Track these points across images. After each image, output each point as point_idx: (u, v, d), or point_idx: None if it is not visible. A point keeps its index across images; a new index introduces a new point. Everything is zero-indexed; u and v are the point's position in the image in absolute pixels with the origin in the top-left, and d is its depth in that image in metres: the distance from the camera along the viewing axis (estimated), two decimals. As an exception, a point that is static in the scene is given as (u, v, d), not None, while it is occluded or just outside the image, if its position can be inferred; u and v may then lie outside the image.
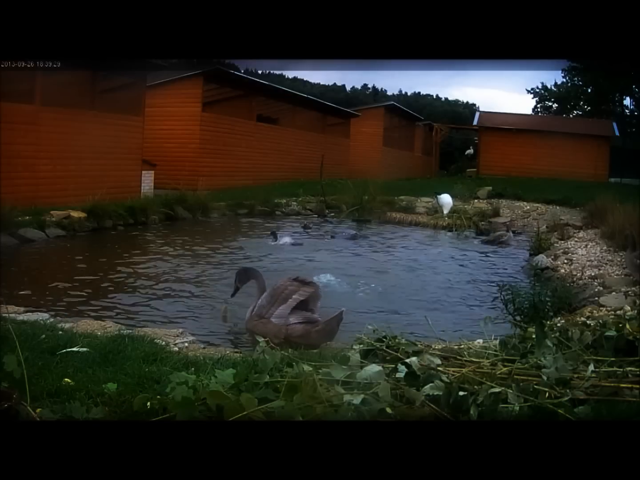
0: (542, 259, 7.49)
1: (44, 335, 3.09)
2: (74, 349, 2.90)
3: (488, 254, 9.19)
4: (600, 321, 3.35)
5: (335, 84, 52.29)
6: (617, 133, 24.48)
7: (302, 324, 4.07)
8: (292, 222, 12.15)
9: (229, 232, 10.50)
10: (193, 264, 7.12)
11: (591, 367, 2.40)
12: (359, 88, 52.89)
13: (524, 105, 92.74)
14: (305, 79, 47.97)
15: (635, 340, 2.73)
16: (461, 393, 2.12)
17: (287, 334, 4.04)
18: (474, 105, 46.95)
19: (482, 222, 12.19)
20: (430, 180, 23.78)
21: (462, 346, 3.12)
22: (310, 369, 2.21)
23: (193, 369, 2.65)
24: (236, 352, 3.33)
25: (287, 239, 9.12)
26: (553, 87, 35.08)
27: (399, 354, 2.68)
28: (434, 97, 52.94)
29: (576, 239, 8.98)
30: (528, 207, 15.05)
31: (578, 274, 6.23)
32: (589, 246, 8.07)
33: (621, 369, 2.43)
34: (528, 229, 12.33)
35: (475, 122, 25.96)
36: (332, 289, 5.93)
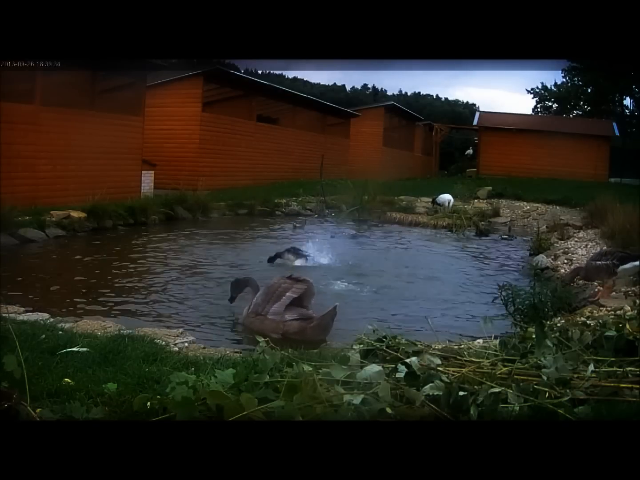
0: (542, 259, 7.49)
1: (44, 335, 3.10)
2: (74, 349, 2.90)
3: (489, 253, 9.19)
4: (600, 321, 3.36)
5: (335, 84, 52.40)
6: (617, 133, 24.50)
7: (297, 320, 4.19)
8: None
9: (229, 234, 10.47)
10: (193, 262, 7.13)
11: (591, 367, 2.40)
12: (359, 88, 52.97)
13: (524, 105, 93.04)
14: (305, 79, 48.08)
15: (635, 340, 2.73)
16: (461, 393, 2.12)
17: (284, 330, 4.16)
18: (474, 105, 47.06)
19: (482, 222, 12.19)
20: (430, 180, 23.80)
21: (462, 346, 3.12)
22: (310, 369, 2.21)
23: (193, 369, 2.65)
24: (236, 352, 3.33)
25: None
26: (553, 87, 35.08)
27: (399, 354, 2.68)
28: (434, 97, 53.02)
29: (576, 239, 8.98)
30: (528, 207, 15.07)
31: (578, 274, 6.21)
32: (589, 246, 8.07)
33: (621, 369, 2.43)
34: (528, 229, 12.33)
35: (475, 122, 26.01)
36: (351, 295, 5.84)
